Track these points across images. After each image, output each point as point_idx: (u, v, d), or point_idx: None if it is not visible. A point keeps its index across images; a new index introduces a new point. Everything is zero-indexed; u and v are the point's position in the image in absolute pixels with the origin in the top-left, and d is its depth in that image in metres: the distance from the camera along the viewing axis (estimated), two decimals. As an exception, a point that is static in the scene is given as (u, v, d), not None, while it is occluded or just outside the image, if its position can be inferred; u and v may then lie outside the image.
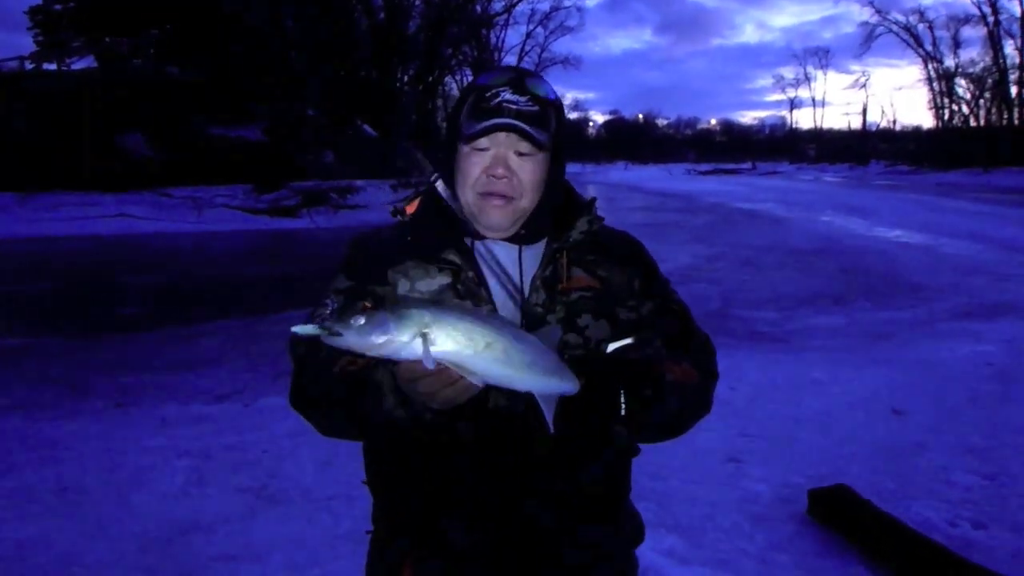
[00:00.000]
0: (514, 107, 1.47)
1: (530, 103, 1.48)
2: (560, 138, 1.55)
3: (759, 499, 4.15)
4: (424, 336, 1.15)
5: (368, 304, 1.42)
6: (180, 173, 24.11)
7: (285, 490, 4.28)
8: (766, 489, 4.26)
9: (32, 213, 20.42)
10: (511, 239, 1.56)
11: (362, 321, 1.15)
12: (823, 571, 3.45)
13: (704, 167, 78.18)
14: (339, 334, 1.16)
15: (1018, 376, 6.38)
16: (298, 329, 1.19)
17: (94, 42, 28.53)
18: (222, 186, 24.16)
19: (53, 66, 28.89)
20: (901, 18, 62.42)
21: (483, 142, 1.49)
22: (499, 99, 1.47)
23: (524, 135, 1.46)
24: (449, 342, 1.16)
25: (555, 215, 1.59)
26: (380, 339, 1.15)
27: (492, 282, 1.53)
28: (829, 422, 5.32)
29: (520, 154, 1.50)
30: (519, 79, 1.52)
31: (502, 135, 1.48)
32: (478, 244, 1.56)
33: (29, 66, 28.29)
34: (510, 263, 1.55)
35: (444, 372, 1.18)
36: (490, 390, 1.43)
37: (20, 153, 22.12)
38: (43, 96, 24.53)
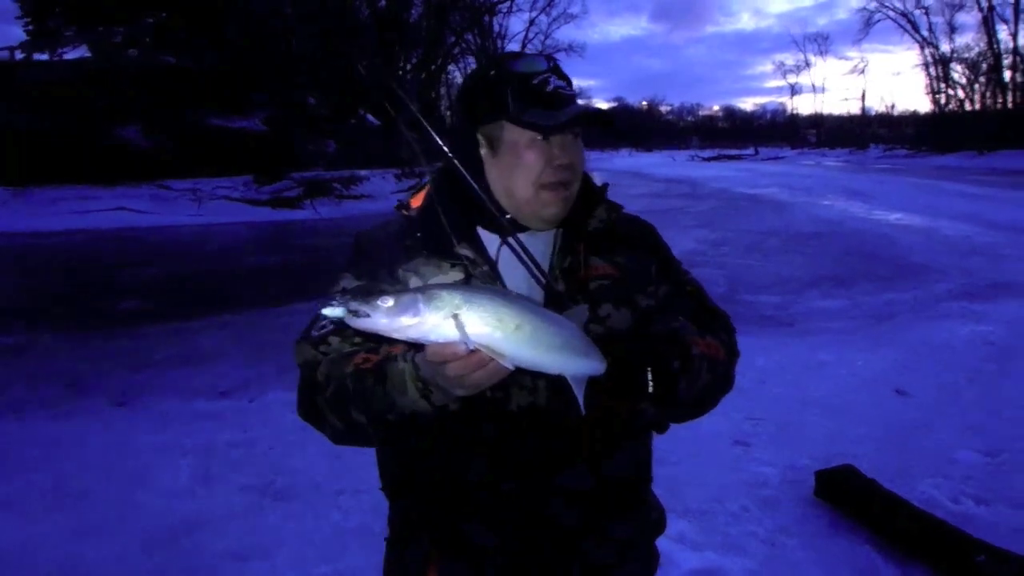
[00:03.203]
0: (568, 93, 1.45)
1: (569, 88, 1.47)
2: None
3: (767, 482, 4.20)
4: (455, 318, 1.12)
5: None
6: (179, 165, 23.88)
7: (292, 486, 4.27)
8: (774, 472, 4.31)
9: (28, 207, 20.26)
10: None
11: (391, 302, 1.12)
12: (831, 551, 3.49)
13: (707, 153, 78.12)
14: (367, 315, 1.12)
15: (1018, 355, 6.49)
16: (325, 311, 1.14)
17: (87, 31, 28.16)
18: (222, 178, 23.99)
19: (45, 56, 28.51)
20: (899, 4, 62.52)
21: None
22: (552, 87, 1.44)
23: (602, 120, 1.46)
24: (480, 324, 1.13)
25: (577, 201, 1.55)
26: (411, 320, 1.11)
27: (506, 276, 1.48)
28: (835, 404, 5.38)
29: (575, 136, 1.48)
30: (555, 65, 1.49)
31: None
32: (492, 237, 1.51)
33: (20, 56, 27.88)
34: (537, 254, 1.47)
35: (475, 355, 1.14)
36: (512, 389, 1.42)
37: (15, 146, 21.87)
38: (36, 87, 24.22)
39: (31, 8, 28.08)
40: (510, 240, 1.44)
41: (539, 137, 1.44)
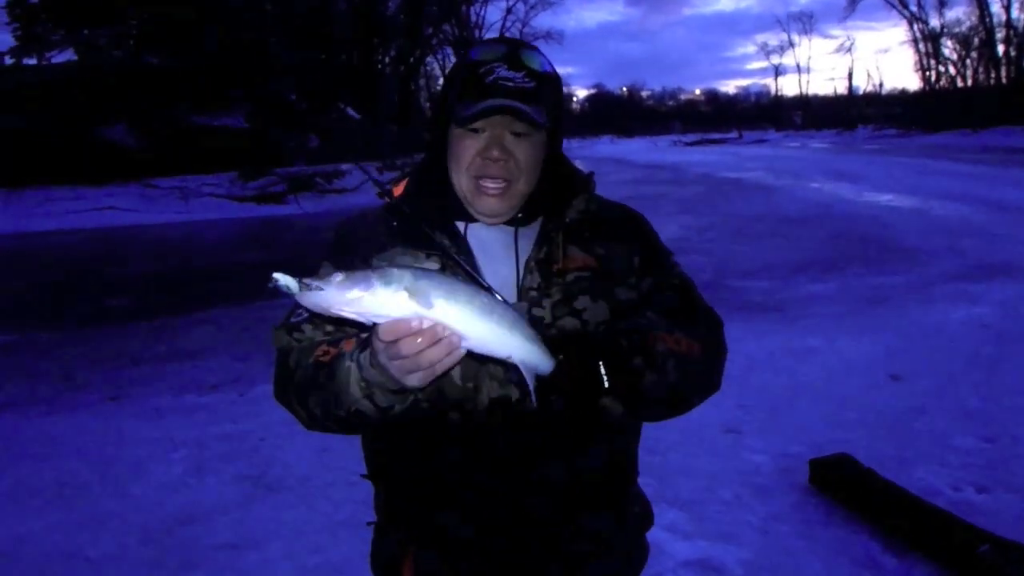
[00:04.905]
0: (510, 84, 1.38)
1: (526, 79, 1.40)
2: (558, 112, 1.47)
3: (759, 470, 4.16)
4: (407, 290, 1.11)
5: None
6: (165, 163, 23.88)
7: (283, 478, 4.28)
8: (766, 459, 4.27)
9: (19, 209, 20.23)
10: (506, 222, 1.50)
11: (341, 277, 1.10)
12: (825, 540, 3.45)
13: (690, 138, 76.76)
14: (320, 289, 1.10)
15: (1014, 337, 6.39)
16: (278, 275, 1.12)
17: (73, 35, 28.21)
18: (208, 175, 23.95)
19: (34, 61, 28.62)
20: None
21: (477, 123, 1.41)
22: (494, 76, 1.39)
23: (522, 116, 1.38)
24: (430, 297, 1.12)
25: (552, 192, 1.52)
26: (362, 292, 1.10)
27: (484, 266, 1.45)
28: (827, 390, 5.33)
29: (516, 134, 1.42)
30: (514, 52, 1.43)
31: (498, 115, 1.40)
32: (471, 227, 1.49)
33: (8, 61, 28.05)
34: (504, 246, 1.48)
35: (429, 329, 1.12)
36: (483, 380, 1.41)
37: (4, 149, 21.90)
38: (25, 91, 24.29)
39: (19, 14, 28.13)
40: (479, 231, 1.45)
41: (472, 128, 1.42)
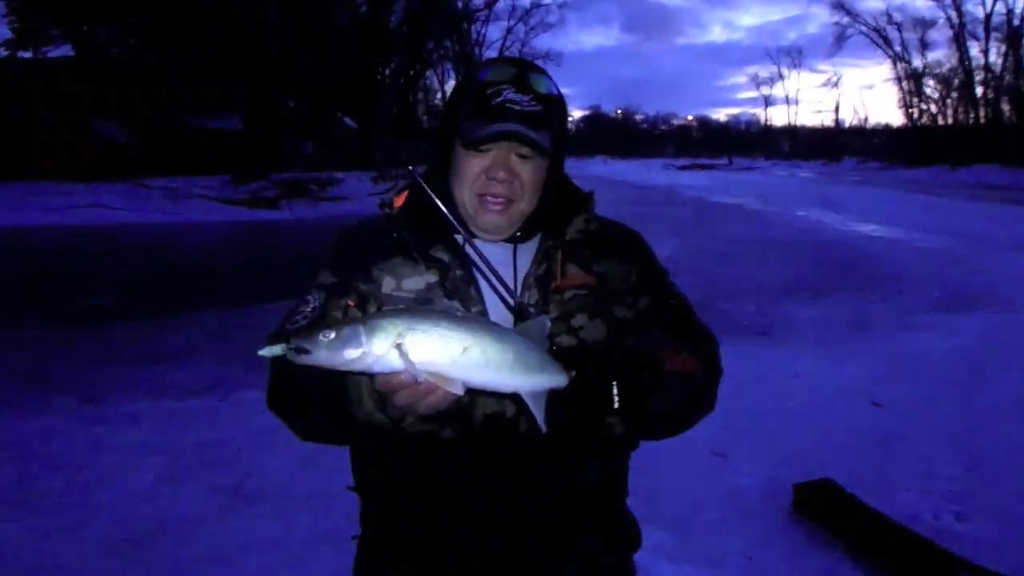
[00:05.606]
0: (517, 108, 1.40)
1: (533, 102, 1.42)
2: (562, 134, 1.50)
3: (745, 493, 4.16)
4: (399, 347, 1.12)
5: (351, 302, 1.42)
6: (157, 163, 23.88)
7: (262, 488, 4.19)
8: (752, 483, 4.27)
9: (3, 202, 19.98)
10: (506, 239, 1.52)
11: (332, 335, 1.12)
12: (810, 567, 3.46)
13: (681, 162, 78.03)
14: (308, 351, 1.12)
15: (993, 366, 6.54)
16: (264, 352, 1.15)
17: (72, 30, 28.12)
18: (200, 176, 23.86)
19: (29, 54, 28.48)
20: (871, 20, 63.18)
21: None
22: (501, 98, 1.41)
23: (528, 142, 1.40)
24: (425, 350, 1.13)
25: (552, 210, 1.54)
26: (353, 353, 1.12)
27: (482, 281, 1.47)
28: (812, 414, 5.37)
29: (521, 156, 1.44)
30: (522, 75, 1.45)
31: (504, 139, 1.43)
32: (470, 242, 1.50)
33: (3, 53, 27.96)
34: (503, 261, 1.48)
35: (423, 383, 1.14)
36: (477, 399, 1.41)
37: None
38: (16, 83, 24.15)
39: (17, 7, 28.03)
40: (467, 246, 1.45)
41: (479, 148, 1.44)
